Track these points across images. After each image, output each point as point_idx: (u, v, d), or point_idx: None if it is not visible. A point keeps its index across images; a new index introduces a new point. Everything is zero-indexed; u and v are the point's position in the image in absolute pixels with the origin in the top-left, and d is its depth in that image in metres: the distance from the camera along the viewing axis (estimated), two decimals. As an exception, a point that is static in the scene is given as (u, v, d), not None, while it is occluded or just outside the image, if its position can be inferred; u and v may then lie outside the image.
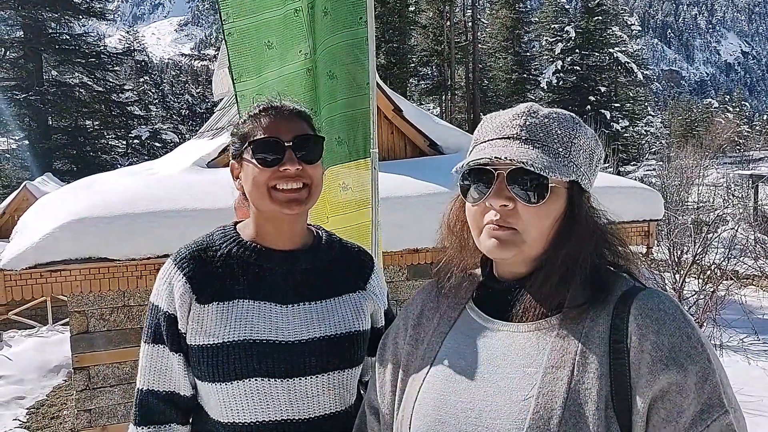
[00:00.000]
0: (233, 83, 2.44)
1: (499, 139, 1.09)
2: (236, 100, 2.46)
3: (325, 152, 1.47)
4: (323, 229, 1.57)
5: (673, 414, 0.94)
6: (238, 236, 1.45)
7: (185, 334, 1.36)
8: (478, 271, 1.21)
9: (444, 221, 1.22)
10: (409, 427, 1.09)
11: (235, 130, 1.44)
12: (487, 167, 1.05)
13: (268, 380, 1.32)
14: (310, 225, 1.55)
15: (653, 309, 1.00)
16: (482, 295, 1.17)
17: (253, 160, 1.35)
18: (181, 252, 1.42)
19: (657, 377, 0.95)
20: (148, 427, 1.39)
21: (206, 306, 1.35)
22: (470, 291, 1.19)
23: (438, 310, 1.22)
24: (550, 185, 1.03)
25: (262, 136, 1.35)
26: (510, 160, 1.02)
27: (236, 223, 1.51)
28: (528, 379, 1.01)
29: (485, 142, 1.11)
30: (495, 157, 1.04)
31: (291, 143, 1.35)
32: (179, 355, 1.37)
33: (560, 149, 1.07)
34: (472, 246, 1.15)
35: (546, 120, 1.09)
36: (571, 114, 1.14)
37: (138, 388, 1.42)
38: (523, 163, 1.01)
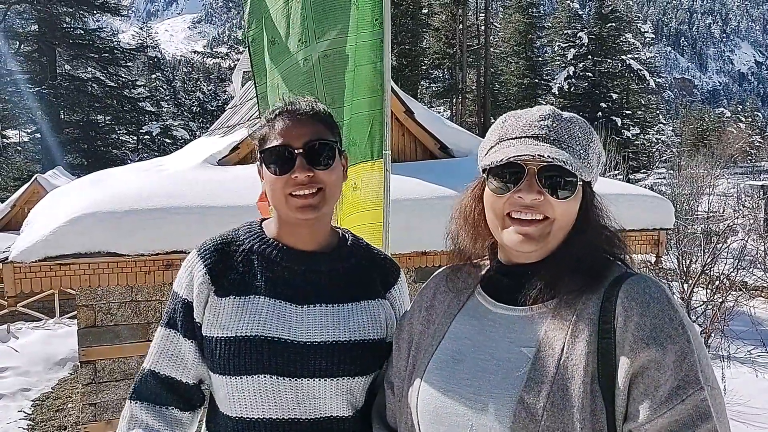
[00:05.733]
0: (255, 86, 2.48)
1: (526, 137, 1.18)
2: (257, 101, 2.49)
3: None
4: (350, 232, 1.56)
5: (650, 388, 1.01)
6: (261, 233, 1.46)
7: (200, 324, 1.39)
8: (486, 259, 1.31)
9: (458, 211, 1.31)
10: (418, 395, 1.20)
11: (254, 134, 1.44)
12: (518, 163, 1.14)
13: (276, 378, 1.33)
14: (337, 227, 1.55)
15: (639, 293, 1.08)
16: (490, 281, 1.27)
17: (267, 168, 1.37)
18: (206, 244, 1.44)
19: (637, 354, 1.03)
20: (141, 403, 1.41)
21: (223, 299, 1.37)
22: (479, 277, 1.30)
23: (449, 294, 1.33)
24: (577, 183, 1.14)
25: (273, 144, 1.36)
26: (545, 156, 1.11)
27: (263, 220, 1.52)
28: (524, 357, 1.11)
29: (512, 139, 1.19)
30: (528, 155, 1.12)
31: (302, 150, 1.34)
32: (191, 342, 1.39)
33: (581, 151, 1.17)
34: (484, 235, 1.26)
35: (569, 123, 1.19)
36: (583, 119, 1.24)
37: (142, 367, 1.45)
38: (563, 162, 1.10)
